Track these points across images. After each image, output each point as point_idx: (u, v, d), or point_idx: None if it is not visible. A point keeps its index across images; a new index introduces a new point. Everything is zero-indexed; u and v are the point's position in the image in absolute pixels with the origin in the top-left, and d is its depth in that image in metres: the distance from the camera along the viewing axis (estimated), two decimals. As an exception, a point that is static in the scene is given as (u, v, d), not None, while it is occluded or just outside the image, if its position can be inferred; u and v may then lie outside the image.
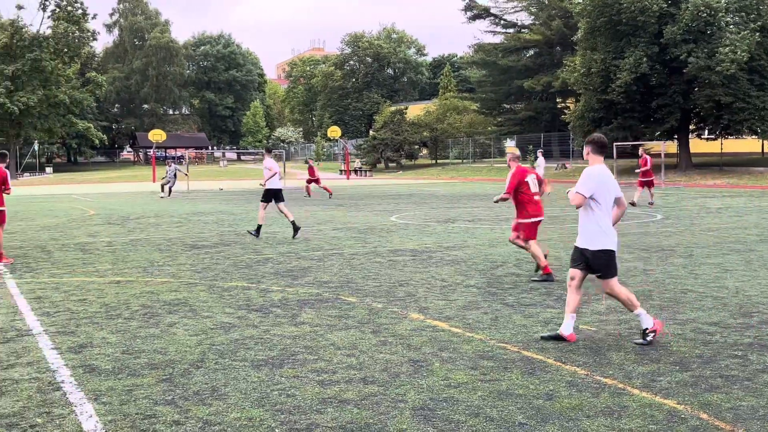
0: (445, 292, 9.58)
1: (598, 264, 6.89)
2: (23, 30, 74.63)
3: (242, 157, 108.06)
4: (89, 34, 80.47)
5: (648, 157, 26.08)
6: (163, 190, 35.73)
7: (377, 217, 21.63)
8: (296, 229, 16.45)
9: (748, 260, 12.00)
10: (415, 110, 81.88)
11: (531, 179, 10.69)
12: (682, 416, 4.96)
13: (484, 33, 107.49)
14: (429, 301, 9.04)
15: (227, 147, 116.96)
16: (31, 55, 73.30)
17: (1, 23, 77.28)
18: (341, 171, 68.16)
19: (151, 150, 72.68)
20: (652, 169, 26.15)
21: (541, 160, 32.69)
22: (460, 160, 72.90)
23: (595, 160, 7.06)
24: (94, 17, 79.75)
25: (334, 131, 70.51)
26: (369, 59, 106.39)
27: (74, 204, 30.82)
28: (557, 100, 70.23)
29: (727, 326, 7.48)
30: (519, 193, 10.63)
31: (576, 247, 7.07)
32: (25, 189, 47.71)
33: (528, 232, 10.65)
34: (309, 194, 34.21)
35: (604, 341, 6.98)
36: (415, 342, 7.04)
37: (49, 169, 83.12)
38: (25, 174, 76.89)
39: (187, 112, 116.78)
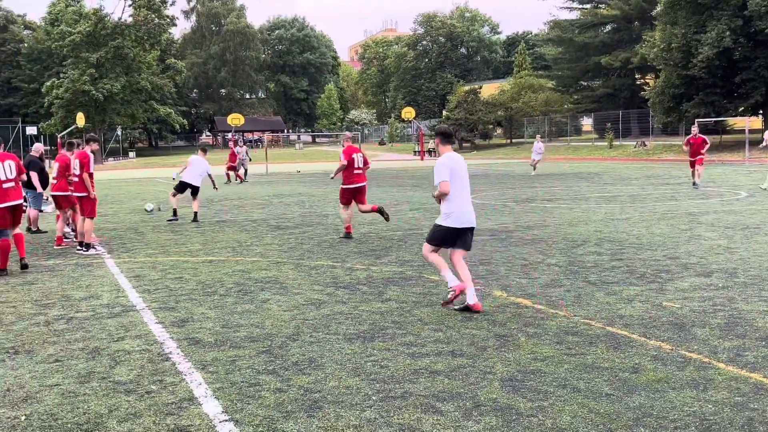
0: (526, 271, 9.74)
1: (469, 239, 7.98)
2: (106, 18, 77.01)
3: (317, 140, 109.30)
4: (168, 20, 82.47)
5: (702, 136, 23.59)
6: (228, 178, 33.74)
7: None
8: (195, 218, 17.38)
9: (838, 238, 11.75)
10: (489, 89, 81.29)
11: (357, 156, 13.75)
12: (769, 389, 5.06)
13: (559, 9, 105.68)
14: (511, 279, 9.22)
15: (302, 130, 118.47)
16: (114, 42, 75.63)
17: (85, 12, 79.88)
18: (415, 152, 68.33)
19: (230, 134, 74.26)
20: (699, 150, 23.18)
21: (537, 146, 34.49)
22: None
23: (444, 150, 8.03)
24: (172, 4, 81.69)
25: (408, 112, 70.65)
26: (442, 39, 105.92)
27: (158, 187, 31.92)
28: (636, 77, 68.76)
29: (816, 303, 7.44)
30: (348, 167, 13.60)
31: (455, 228, 7.86)
32: (110, 173, 49.52)
33: (344, 197, 13.72)
34: (230, 179, 33.51)
35: (688, 317, 7.05)
36: (499, 318, 7.25)
37: (132, 154, 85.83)
38: (110, 159, 79.58)
39: (263, 96, 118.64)
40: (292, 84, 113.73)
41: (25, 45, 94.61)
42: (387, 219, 13.78)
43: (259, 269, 10.39)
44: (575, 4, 73.84)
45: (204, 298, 8.52)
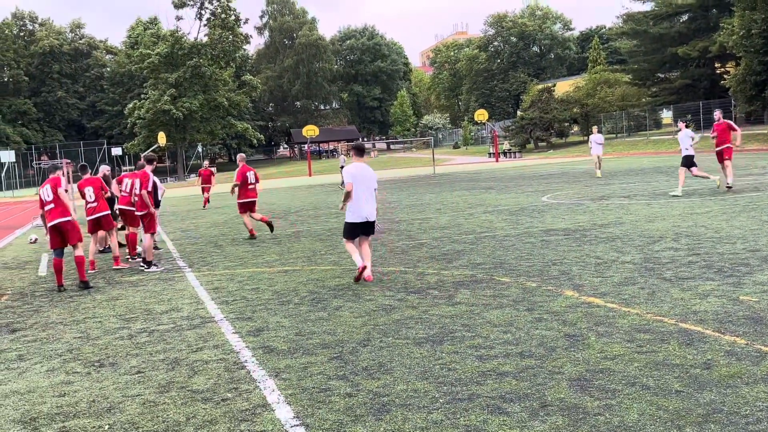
0: (600, 269, 9.63)
1: (368, 229, 10.19)
2: (182, 39, 79.38)
3: (392, 147, 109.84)
4: (242, 38, 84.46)
5: (727, 121, 19.60)
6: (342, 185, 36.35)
7: (528, 198, 21.63)
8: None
9: None
10: (563, 87, 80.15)
11: (249, 174, 16.87)
12: None
13: (632, 2, 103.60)
14: (583, 278, 9.13)
15: (377, 137, 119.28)
16: (191, 62, 77.91)
17: (163, 34, 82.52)
18: (490, 154, 67.95)
19: (306, 145, 75.37)
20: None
21: (595, 137, 29.50)
22: (614, 135, 70.73)
23: (356, 160, 10.25)
24: (246, 22, 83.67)
25: (481, 114, 70.27)
26: (513, 39, 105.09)
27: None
28: (715, 66, 66.65)
29: None
30: (242, 184, 16.70)
31: (351, 223, 10.12)
32: (191, 189, 50.93)
33: (241, 209, 16.95)
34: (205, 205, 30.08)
35: (765, 311, 6.87)
36: (570, 318, 7.21)
37: (213, 169, 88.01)
38: (192, 175, 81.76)
39: (337, 106, 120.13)
40: (364, 93, 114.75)
41: (108, 69, 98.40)
42: (271, 230, 16.95)
43: (333, 277, 10.58)
44: (649, -5, 72.15)
45: (279, 308, 8.74)
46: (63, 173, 11.77)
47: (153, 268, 12.83)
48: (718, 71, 66.04)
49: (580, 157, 56.54)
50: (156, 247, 15.60)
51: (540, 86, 78.58)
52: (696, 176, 19.37)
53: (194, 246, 16.11)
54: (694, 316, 6.89)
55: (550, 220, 15.71)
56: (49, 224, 11.29)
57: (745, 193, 18.09)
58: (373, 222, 10.15)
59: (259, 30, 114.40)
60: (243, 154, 18.13)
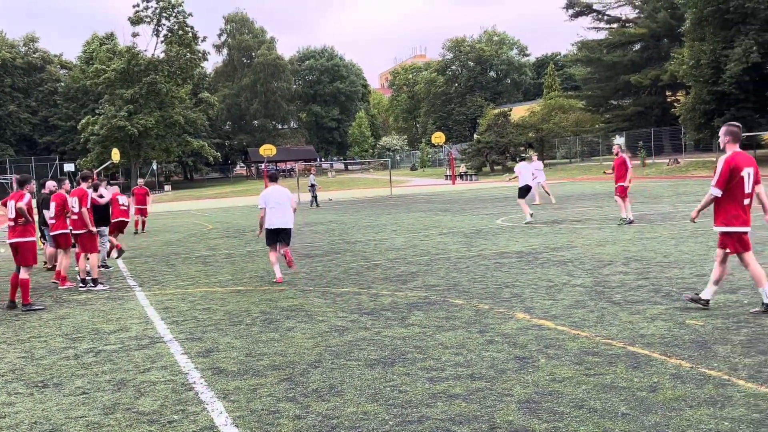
0: (551, 292, 9.73)
1: (286, 236, 12.36)
2: (139, 56, 78.69)
3: (349, 167, 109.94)
4: (200, 55, 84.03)
5: (624, 155, 18.71)
6: (312, 205, 37.82)
7: (483, 221, 21.80)
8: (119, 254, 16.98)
9: None
10: (519, 111, 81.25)
11: (120, 198, 17.25)
12: (788, 406, 5.01)
13: (587, 30, 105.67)
14: (535, 301, 9.22)
15: (334, 158, 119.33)
16: (147, 78, 77.22)
17: (119, 50, 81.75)
18: (447, 176, 68.41)
19: (263, 164, 75.08)
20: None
21: (537, 164, 29.28)
22: (568, 160, 71.86)
23: (270, 184, 12.43)
24: (203, 39, 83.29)
25: (438, 137, 70.85)
26: (471, 63, 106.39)
27: (193, 219, 32.37)
28: (666, 94, 68.33)
29: (842, 318, 7.34)
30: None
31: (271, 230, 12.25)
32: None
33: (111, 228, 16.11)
34: (137, 229, 25.63)
35: (710, 335, 7.00)
36: (521, 340, 7.26)
37: (167, 187, 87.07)
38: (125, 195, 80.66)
39: (295, 126, 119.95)
40: (323, 113, 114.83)
41: (62, 84, 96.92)
42: (119, 254, 16.67)
43: (286, 298, 10.51)
44: (602, 25, 73.88)
45: (230, 328, 8.65)
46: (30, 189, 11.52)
47: (99, 287, 12.60)
48: (668, 99, 67.72)
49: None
50: (105, 266, 15.35)
51: (496, 110, 79.57)
52: (520, 206, 20.54)
53: (145, 264, 15.88)
54: (642, 340, 7.00)
55: (503, 242, 15.85)
56: (8, 241, 11.11)
57: (693, 219, 18.44)
58: (289, 230, 12.33)
59: (218, 48, 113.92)
60: (113, 180, 18.78)
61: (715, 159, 51.22)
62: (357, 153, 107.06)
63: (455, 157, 73.29)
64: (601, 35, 73.30)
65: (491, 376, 6.13)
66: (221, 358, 7.27)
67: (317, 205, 37.79)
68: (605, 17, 73.06)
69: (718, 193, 7.87)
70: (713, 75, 43.66)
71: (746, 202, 7.87)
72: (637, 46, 70.09)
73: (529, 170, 20.58)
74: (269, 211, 12.11)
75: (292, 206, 12.25)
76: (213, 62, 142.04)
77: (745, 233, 7.94)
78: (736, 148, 7.97)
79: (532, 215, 20.35)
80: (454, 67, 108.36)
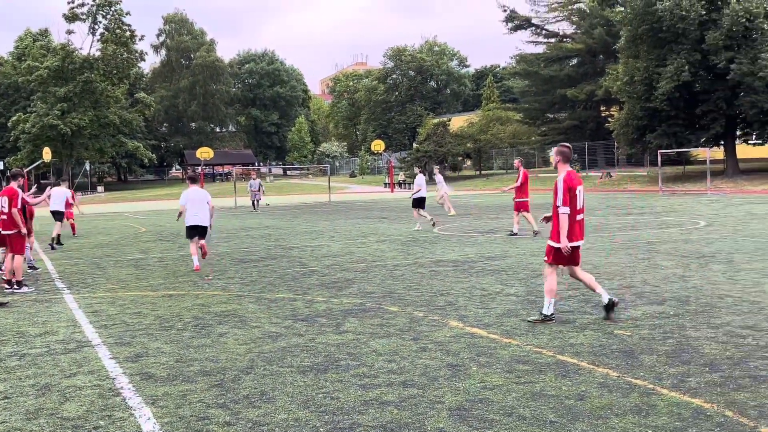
0: (484, 301, 9.84)
1: (203, 232, 14.36)
2: (74, 54, 76.88)
3: (288, 172, 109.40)
4: (137, 55, 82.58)
5: (526, 172, 19.38)
6: (255, 207, 38.12)
7: (418, 231, 21.91)
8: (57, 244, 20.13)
9: (789, 265, 12.01)
10: (458, 122, 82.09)
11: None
12: (708, 414, 5.17)
13: (525, 43, 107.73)
14: (469, 309, 9.30)
15: (273, 163, 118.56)
16: (82, 77, 75.49)
17: (53, 47, 79.75)
18: (386, 184, 68.62)
19: (200, 167, 74.11)
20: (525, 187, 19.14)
21: (439, 177, 30.75)
22: (504, 171, 72.87)
23: (191, 185, 14.47)
24: (141, 38, 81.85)
25: (378, 145, 71.06)
26: (412, 72, 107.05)
27: (126, 222, 31.72)
28: (601, 109, 69.91)
29: (761, 329, 7.61)
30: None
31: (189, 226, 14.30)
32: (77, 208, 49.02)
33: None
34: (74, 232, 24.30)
35: (637, 345, 7.17)
36: (453, 348, 7.32)
37: (100, 188, 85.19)
38: (78, 193, 78.87)
39: (233, 129, 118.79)
40: (262, 117, 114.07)
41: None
42: None
43: (219, 303, 10.38)
44: (541, 39, 75.21)
45: (160, 333, 8.49)
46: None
47: (24, 289, 12.22)
48: (603, 114, 69.27)
49: (472, 191, 57.88)
50: (33, 267, 14.93)
51: (436, 120, 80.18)
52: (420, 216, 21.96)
53: (75, 267, 15.49)
54: (571, 349, 7.13)
55: (440, 251, 15.97)
56: None
57: (624, 232, 18.93)
58: (205, 227, 14.25)
59: (156, 48, 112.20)
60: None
61: (646, 173, 52.62)
62: (296, 158, 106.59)
63: (394, 165, 73.59)
64: (540, 49, 74.68)
65: (423, 383, 6.16)
66: (150, 363, 7.14)
67: (255, 209, 37.55)
68: (543, 32, 74.44)
69: (567, 210, 8.24)
70: (646, 92, 44.82)
71: (579, 217, 8.38)
72: (574, 61, 71.56)
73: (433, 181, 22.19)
74: (189, 209, 14.12)
75: (209, 206, 14.16)
76: (150, 62, 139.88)
77: (577, 247, 8.46)
78: (568, 167, 8.47)
79: (433, 223, 21.94)
80: (394, 76, 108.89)
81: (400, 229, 22.42)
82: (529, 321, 8.40)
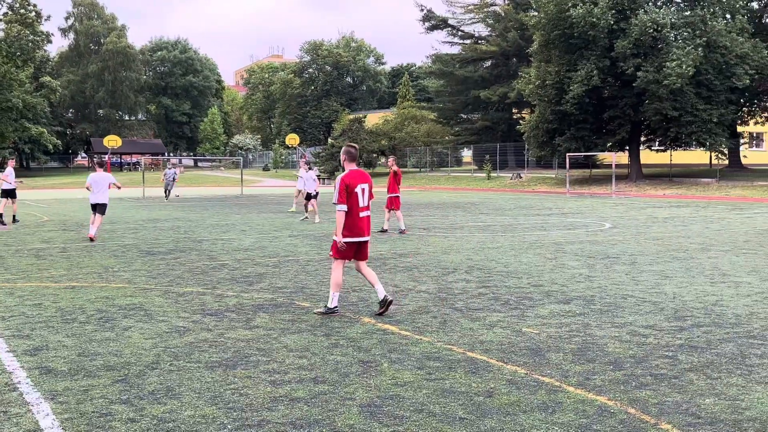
0: (396, 298, 9.86)
1: (102, 208, 17.48)
2: (-25, 33, 73.39)
3: (199, 164, 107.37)
4: (43, 37, 79.44)
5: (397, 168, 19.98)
6: (167, 196, 38.59)
7: (333, 225, 21.85)
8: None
9: (687, 267, 12.52)
10: (373, 119, 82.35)
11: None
12: (612, 411, 5.31)
13: (441, 43, 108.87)
14: (380, 305, 9.30)
15: (184, 153, 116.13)
16: (-17, 58, 72.10)
17: (-48, 25, 75.96)
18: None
19: (107, 156, 71.92)
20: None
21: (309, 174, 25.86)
22: (418, 169, 73.52)
23: (98, 170, 17.39)
24: (47, 19, 78.74)
25: (292, 139, 70.61)
26: (328, 67, 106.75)
27: (28, 210, 30.46)
28: (513, 111, 71.29)
29: (661, 329, 7.88)
30: None
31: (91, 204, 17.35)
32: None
33: None
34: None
35: (544, 343, 7.32)
36: (365, 344, 7.30)
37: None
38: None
39: (143, 118, 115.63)
40: (174, 106, 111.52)
41: None
42: None
43: (124, 296, 10.07)
44: (456, 40, 76.08)
45: (62, 326, 8.17)
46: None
47: None
48: (515, 116, 70.66)
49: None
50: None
51: (351, 116, 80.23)
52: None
53: (-29, 256, 14.77)
54: (481, 346, 7.21)
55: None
56: None
57: (533, 232, 19.35)
58: (104, 204, 17.52)
59: (64, 32, 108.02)
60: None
61: (554, 175, 54.00)
62: (208, 150, 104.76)
63: (309, 160, 73.18)
64: (455, 50, 75.54)
65: (334, 379, 6.12)
66: (50, 357, 6.85)
67: (167, 198, 36.97)
68: (459, 33, 75.32)
69: (344, 208, 8.64)
70: (556, 96, 45.99)
71: (363, 214, 8.77)
72: (488, 63, 72.70)
73: (309, 177, 25.10)
74: (93, 190, 17.34)
75: (109, 186, 17.58)
76: (58, 46, 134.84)
77: (363, 243, 8.91)
78: (353, 166, 8.88)
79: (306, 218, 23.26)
80: (311, 70, 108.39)
81: (313, 224, 22.29)
82: (315, 313, 8.71)
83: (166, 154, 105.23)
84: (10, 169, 23.17)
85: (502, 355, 6.85)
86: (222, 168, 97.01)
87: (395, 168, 19.80)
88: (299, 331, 7.91)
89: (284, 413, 5.29)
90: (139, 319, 8.50)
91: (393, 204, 19.39)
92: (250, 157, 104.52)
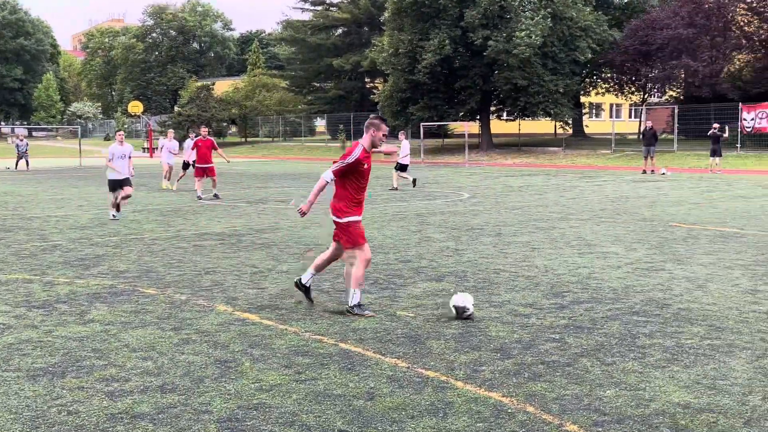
0: (255, 280, 8.96)
1: None
2: None
3: (34, 134, 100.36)
4: None
5: (212, 139, 21.37)
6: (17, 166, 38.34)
7: (182, 198, 20.49)
8: None
9: (552, 238, 12.30)
10: (222, 86, 79.64)
11: None
12: (509, 411, 4.69)
13: (292, 9, 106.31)
14: (238, 290, 8.38)
15: (17, 122, 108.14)
16: None
17: None
18: (144, 149, 64.92)
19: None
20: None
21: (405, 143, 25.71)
22: (271, 139, 71.87)
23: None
24: None
25: (136, 106, 67.03)
26: (173, 32, 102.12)
27: None
28: (366, 80, 70.78)
29: (542, 307, 7.42)
30: None
31: None
32: None
33: None
34: None
35: (422, 328, 6.67)
36: (222, 339, 6.38)
37: None
38: None
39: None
40: (4, 72, 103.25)
41: None
42: None
43: (-68, 287, 8.58)
44: (307, 6, 74.48)
45: None
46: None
47: None
48: (368, 85, 70.22)
49: (239, 157, 56.33)
50: None
51: (199, 83, 77.14)
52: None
53: None
54: (354, 335, 6.46)
55: (204, 222, 14.81)
56: None
57: (393, 203, 18.82)
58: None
59: None
60: None
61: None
62: (43, 118, 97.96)
63: (154, 129, 69.88)
64: (306, 16, 73.95)
65: (186, 386, 5.18)
66: None
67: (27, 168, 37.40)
68: (310, -1, 73.81)
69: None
70: (410, 65, 45.73)
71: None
72: (340, 31, 71.67)
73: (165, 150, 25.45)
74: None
75: None
76: None
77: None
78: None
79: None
80: (154, 35, 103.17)
81: (160, 197, 20.79)
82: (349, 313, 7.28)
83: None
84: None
85: (379, 345, 6.13)
86: (59, 138, 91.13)
87: (209, 138, 21.35)
88: (143, 324, 6.86)
89: (124, 436, 4.32)
90: (-54, 317, 7.15)
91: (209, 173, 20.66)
92: (90, 126, 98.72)
